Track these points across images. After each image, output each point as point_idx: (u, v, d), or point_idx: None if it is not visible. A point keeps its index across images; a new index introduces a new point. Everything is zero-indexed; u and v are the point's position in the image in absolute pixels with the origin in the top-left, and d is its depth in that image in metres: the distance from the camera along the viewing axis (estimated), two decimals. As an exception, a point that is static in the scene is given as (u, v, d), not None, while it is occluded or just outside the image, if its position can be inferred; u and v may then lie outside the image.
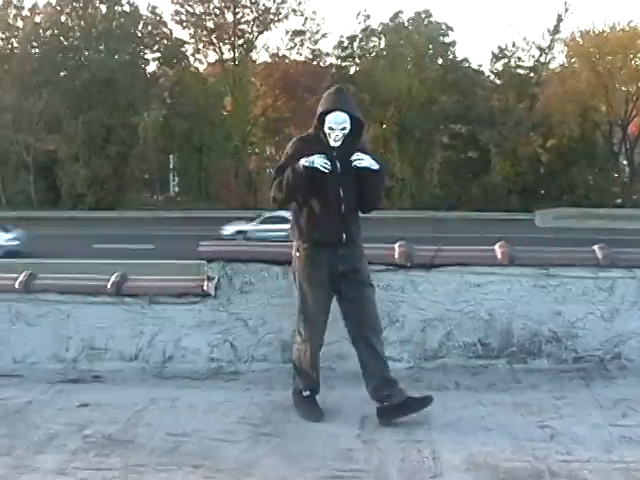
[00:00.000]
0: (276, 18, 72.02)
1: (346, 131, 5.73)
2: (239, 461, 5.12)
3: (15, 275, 7.37)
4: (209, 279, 7.00)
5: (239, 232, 49.09)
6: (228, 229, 49.69)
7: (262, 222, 49.73)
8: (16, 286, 7.25)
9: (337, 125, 5.70)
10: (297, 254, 5.93)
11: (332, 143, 5.75)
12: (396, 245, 6.94)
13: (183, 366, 7.02)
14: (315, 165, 5.66)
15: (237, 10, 71.38)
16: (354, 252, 5.86)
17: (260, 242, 7.64)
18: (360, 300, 5.83)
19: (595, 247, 7.03)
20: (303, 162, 5.69)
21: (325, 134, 5.77)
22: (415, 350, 6.97)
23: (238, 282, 6.98)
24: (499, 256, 6.93)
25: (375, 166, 5.75)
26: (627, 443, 5.31)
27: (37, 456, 5.27)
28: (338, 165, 5.73)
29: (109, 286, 7.12)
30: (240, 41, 72.03)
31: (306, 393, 5.96)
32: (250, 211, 60.93)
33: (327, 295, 5.87)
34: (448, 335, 6.97)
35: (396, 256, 6.86)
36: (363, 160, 5.71)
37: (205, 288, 7.01)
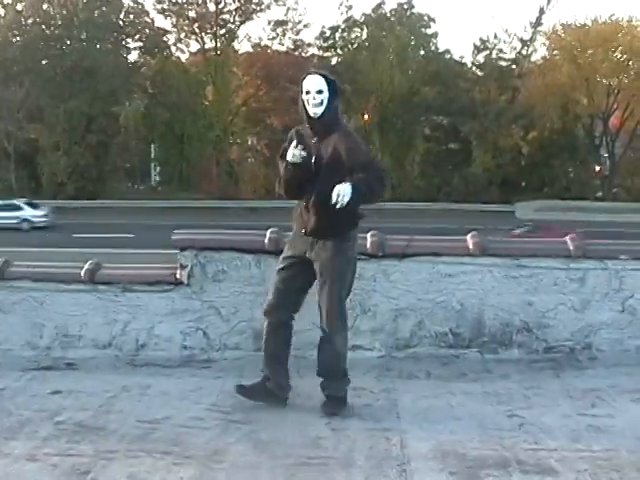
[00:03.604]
0: (258, 8, 72.05)
1: (323, 96, 5.60)
2: (208, 448, 5.15)
3: (-11, 263, 7.36)
4: (182, 267, 7.01)
5: None
6: None
7: None
8: (-10, 274, 7.24)
9: (313, 87, 5.60)
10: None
11: (311, 112, 5.62)
12: (368, 235, 6.92)
13: (156, 354, 7.03)
14: (288, 159, 5.62)
15: (219, 0, 71.26)
16: (324, 245, 5.67)
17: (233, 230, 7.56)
18: (322, 294, 5.76)
19: (567, 238, 7.07)
20: (287, 157, 5.65)
21: (307, 111, 5.66)
22: (387, 339, 7.00)
23: (211, 270, 6.99)
24: (471, 246, 6.96)
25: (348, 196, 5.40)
26: (594, 433, 5.37)
27: (8, 442, 5.28)
28: (313, 157, 5.62)
29: (83, 274, 7.11)
30: (222, 31, 71.91)
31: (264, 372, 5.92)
32: (231, 201, 61.06)
33: (293, 276, 5.79)
34: (420, 325, 6.99)
35: (368, 245, 6.87)
36: (344, 196, 5.39)
37: (178, 276, 7.03)
